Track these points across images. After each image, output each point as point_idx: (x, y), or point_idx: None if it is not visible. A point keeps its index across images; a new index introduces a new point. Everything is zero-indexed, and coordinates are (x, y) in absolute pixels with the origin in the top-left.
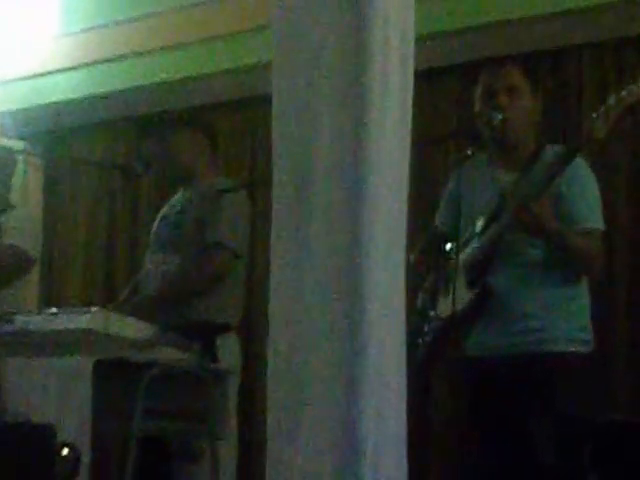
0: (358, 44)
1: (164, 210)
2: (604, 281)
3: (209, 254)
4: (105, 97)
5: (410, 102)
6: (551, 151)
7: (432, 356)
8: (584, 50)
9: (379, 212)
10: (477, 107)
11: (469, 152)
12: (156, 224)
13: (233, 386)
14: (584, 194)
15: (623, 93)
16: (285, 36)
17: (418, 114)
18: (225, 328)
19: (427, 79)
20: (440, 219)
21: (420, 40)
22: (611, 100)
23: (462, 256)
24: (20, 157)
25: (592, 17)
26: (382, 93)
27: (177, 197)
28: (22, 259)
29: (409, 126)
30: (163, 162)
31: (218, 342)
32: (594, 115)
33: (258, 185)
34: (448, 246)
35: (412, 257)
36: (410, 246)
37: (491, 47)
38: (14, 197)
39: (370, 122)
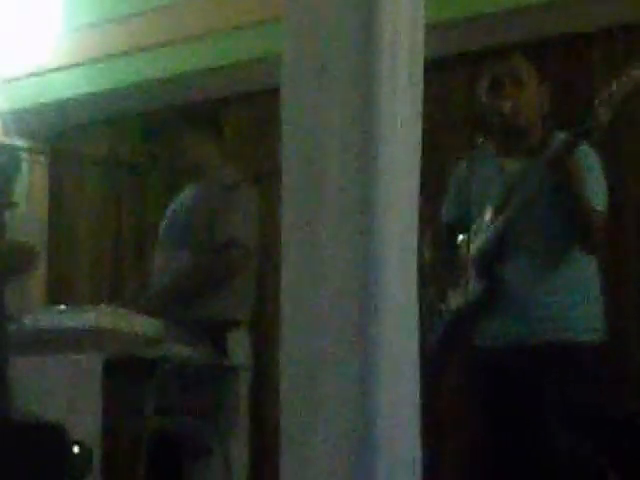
0: (368, 34)
1: (172, 207)
2: (615, 269)
3: (223, 251)
4: (110, 94)
5: (420, 90)
6: (559, 138)
7: (444, 349)
8: (594, 36)
9: (391, 202)
10: (484, 98)
11: (477, 142)
12: (165, 221)
13: (244, 382)
14: (589, 178)
15: (624, 78)
16: (296, 29)
17: (427, 102)
18: (235, 324)
19: (437, 68)
20: (447, 210)
21: (430, 29)
22: (613, 86)
23: (471, 247)
24: (25, 155)
25: (601, 3)
26: (392, 82)
27: (185, 193)
28: (28, 253)
29: (419, 115)
30: (170, 158)
31: (228, 338)
32: (597, 101)
33: (266, 178)
34: (459, 238)
35: (424, 249)
36: (419, 237)
37: (501, 35)
38: (18, 195)
39: (380, 111)
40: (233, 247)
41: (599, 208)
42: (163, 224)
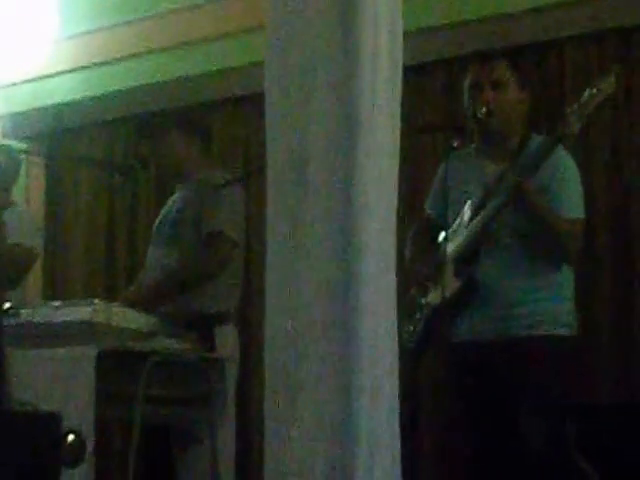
0: (349, 41)
1: (165, 208)
2: (588, 267)
3: (211, 244)
4: (104, 98)
5: (399, 95)
6: (536, 141)
7: (423, 342)
8: (566, 43)
9: (371, 200)
10: (465, 101)
11: (455, 144)
12: (157, 221)
13: (231, 373)
14: (566, 185)
15: (595, 90)
16: (277, 36)
17: (407, 107)
18: (222, 317)
19: (415, 73)
20: (429, 208)
21: (408, 36)
22: (585, 96)
23: (450, 246)
24: (23, 157)
25: (574, 12)
26: (372, 87)
27: (176, 194)
28: (28, 256)
29: (398, 118)
30: (160, 160)
31: (216, 331)
32: (568, 110)
33: (252, 177)
34: (439, 236)
35: (405, 246)
36: (400, 234)
37: (477, 42)
38: (16, 195)
39: (361, 114)
40: (219, 240)
41: (574, 216)
42: (155, 225)
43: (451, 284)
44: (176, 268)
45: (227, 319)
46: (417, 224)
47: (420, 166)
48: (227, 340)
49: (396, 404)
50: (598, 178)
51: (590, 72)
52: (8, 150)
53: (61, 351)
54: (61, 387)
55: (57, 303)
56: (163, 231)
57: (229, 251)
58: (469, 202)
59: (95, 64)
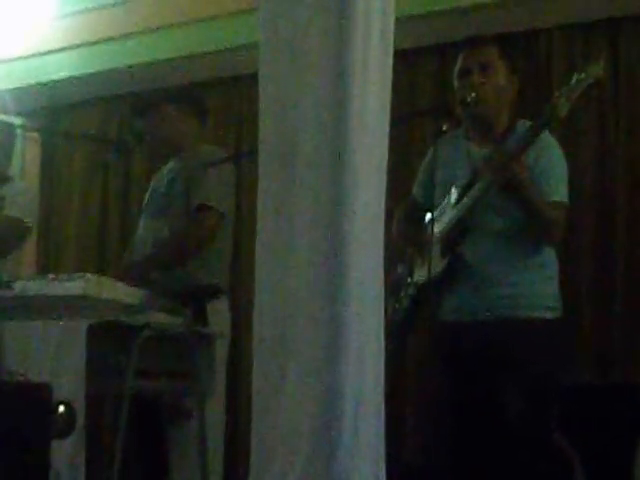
0: (341, 25)
1: (155, 179)
2: (571, 251)
3: (197, 216)
4: (99, 75)
5: (390, 80)
6: (523, 126)
7: (408, 320)
8: (554, 32)
9: (361, 182)
10: (455, 85)
11: (444, 127)
12: (148, 193)
13: (222, 348)
14: (551, 170)
15: (583, 74)
16: (271, 17)
17: (397, 91)
18: (215, 292)
19: (406, 59)
20: (417, 190)
21: (400, 22)
22: (573, 80)
23: (437, 226)
24: (19, 132)
25: (563, 1)
26: (364, 71)
27: (168, 167)
28: (20, 229)
29: (389, 102)
30: (154, 136)
31: (208, 307)
32: (557, 94)
33: (244, 156)
34: (426, 217)
35: (392, 226)
36: (389, 215)
37: (468, 29)
38: (12, 170)
39: (352, 98)
40: (206, 211)
41: (558, 199)
42: (147, 196)
43: (437, 263)
44: (166, 240)
45: (219, 292)
46: (404, 205)
47: (410, 150)
48: (220, 315)
49: (381, 376)
50: (583, 163)
51: (577, 60)
52: (5, 125)
53: (53, 324)
54: (52, 360)
55: (50, 276)
56: (154, 203)
57: (216, 222)
58: (456, 184)
59: (91, 42)
